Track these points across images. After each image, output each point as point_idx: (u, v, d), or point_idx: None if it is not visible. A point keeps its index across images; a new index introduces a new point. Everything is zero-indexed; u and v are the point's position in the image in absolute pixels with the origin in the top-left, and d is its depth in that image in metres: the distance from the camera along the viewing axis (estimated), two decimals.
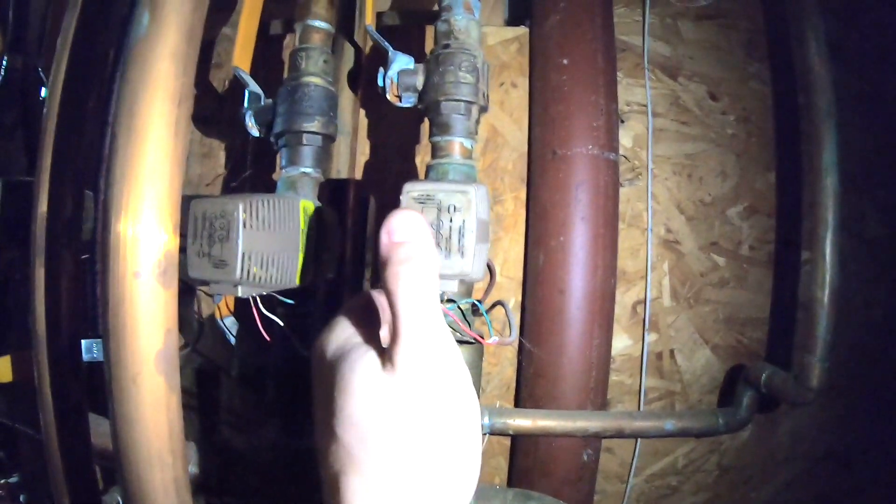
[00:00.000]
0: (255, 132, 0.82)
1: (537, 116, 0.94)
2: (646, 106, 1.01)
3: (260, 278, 0.67)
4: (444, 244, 0.53)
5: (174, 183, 0.51)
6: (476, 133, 0.69)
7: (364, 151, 0.92)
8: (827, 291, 0.82)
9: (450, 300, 0.69)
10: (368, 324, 0.35)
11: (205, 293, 1.03)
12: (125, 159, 0.48)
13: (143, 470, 0.49)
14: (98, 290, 0.89)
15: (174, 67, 0.50)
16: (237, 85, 0.94)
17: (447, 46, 0.67)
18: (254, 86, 0.82)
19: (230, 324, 0.85)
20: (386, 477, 0.28)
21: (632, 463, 1.00)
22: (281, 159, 0.79)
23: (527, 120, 0.95)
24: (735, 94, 1.04)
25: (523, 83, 0.96)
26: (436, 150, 0.68)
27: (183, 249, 0.68)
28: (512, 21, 1.01)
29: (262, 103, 0.81)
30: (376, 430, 0.29)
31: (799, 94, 0.88)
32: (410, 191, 0.57)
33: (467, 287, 0.73)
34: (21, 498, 1.33)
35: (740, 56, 1.04)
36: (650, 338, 1.00)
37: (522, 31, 0.98)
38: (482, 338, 0.68)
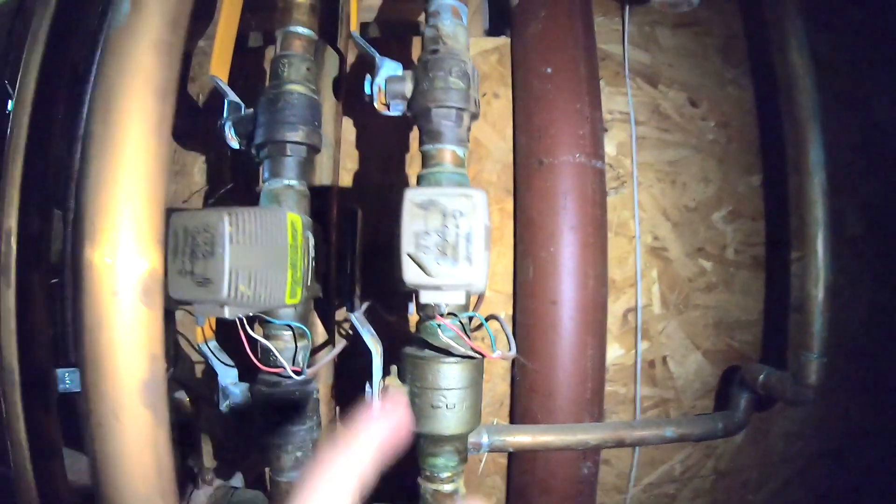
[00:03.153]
0: (234, 144, 0.79)
1: (521, 126, 0.93)
2: (628, 114, 1.01)
3: (248, 297, 0.63)
4: (450, 252, 0.51)
5: (157, 189, 0.47)
6: (468, 141, 0.67)
7: (347, 163, 0.90)
8: (821, 288, 0.82)
9: (451, 314, 0.66)
10: None
11: (189, 313, 0.98)
12: (102, 160, 0.43)
13: None
14: (72, 314, 0.84)
15: (157, 59, 0.46)
16: (213, 100, 0.90)
17: (436, 52, 0.65)
18: (233, 95, 0.78)
19: (214, 348, 0.80)
20: None
21: (630, 473, 0.98)
22: (263, 171, 0.76)
23: (510, 130, 0.94)
24: (714, 99, 1.05)
25: (505, 93, 0.96)
26: (427, 160, 0.66)
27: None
28: (492, 31, 1.00)
29: (243, 113, 0.78)
30: None
31: (781, 96, 0.88)
32: (413, 197, 0.53)
33: (468, 299, 0.71)
34: None
35: (717, 62, 1.06)
36: (642, 346, 0.99)
37: (503, 41, 0.97)
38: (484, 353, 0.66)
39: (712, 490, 1.03)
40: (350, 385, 0.77)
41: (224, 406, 0.79)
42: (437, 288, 0.51)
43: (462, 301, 0.54)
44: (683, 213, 1.03)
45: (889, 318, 1.15)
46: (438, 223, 0.49)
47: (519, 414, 0.90)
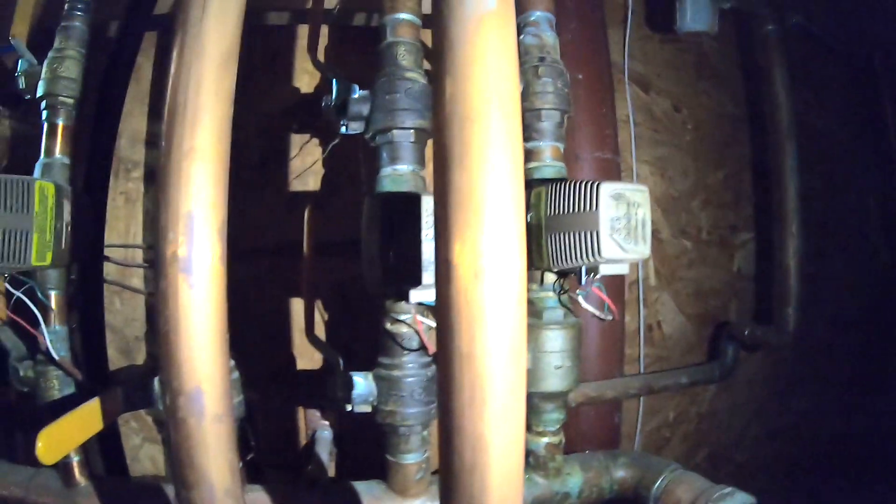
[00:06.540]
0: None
1: None
2: (628, 115, 1.18)
3: None
4: (633, 233, 0.61)
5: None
6: (566, 138, 0.78)
7: None
8: (797, 258, 1.07)
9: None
10: None
11: None
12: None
13: None
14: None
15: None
16: None
17: (543, 59, 0.75)
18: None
19: None
20: None
21: (637, 420, 1.17)
22: (383, 156, 0.73)
23: None
24: (691, 106, 1.25)
25: None
26: (531, 154, 0.76)
27: None
28: None
29: (356, 95, 0.73)
30: None
31: (767, 118, 1.12)
32: (608, 191, 0.60)
33: None
34: None
35: (692, 75, 1.26)
36: (644, 313, 1.17)
37: None
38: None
39: (696, 432, 1.25)
40: None
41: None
42: (619, 262, 0.62)
43: (627, 272, 0.66)
44: (670, 201, 1.22)
45: (816, 286, 1.45)
46: (624, 211, 0.60)
47: None
